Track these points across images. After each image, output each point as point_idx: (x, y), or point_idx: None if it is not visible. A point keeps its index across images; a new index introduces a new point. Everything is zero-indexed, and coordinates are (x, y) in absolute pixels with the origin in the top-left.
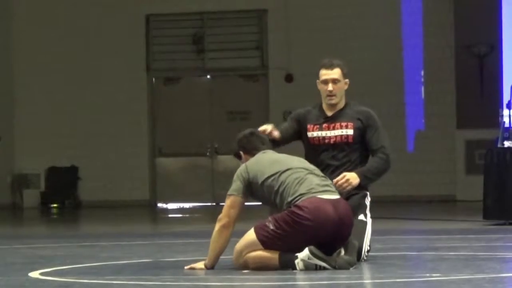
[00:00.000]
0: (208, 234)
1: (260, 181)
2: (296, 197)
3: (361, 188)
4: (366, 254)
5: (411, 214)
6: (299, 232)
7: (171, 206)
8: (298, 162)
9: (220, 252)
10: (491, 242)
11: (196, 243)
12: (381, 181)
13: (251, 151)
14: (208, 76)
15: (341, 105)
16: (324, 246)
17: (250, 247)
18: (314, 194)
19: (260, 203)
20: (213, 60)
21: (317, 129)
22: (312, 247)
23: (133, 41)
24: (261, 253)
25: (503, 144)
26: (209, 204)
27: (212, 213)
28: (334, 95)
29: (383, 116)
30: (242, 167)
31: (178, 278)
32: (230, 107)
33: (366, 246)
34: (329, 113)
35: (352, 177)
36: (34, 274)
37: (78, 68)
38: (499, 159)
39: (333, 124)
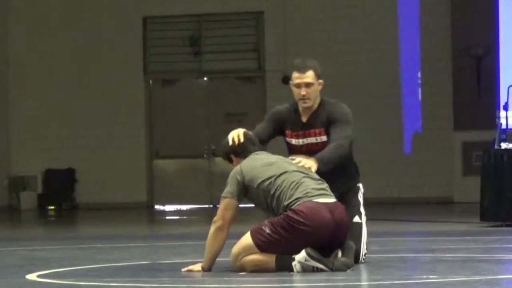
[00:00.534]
0: (205, 236)
1: (255, 184)
2: (292, 201)
3: (352, 178)
4: (364, 257)
5: (408, 216)
6: (295, 236)
7: (168, 208)
8: (294, 165)
9: (216, 254)
10: (488, 243)
11: (193, 245)
12: (378, 183)
13: (242, 154)
14: (205, 78)
15: (315, 106)
16: (322, 250)
17: (246, 250)
18: (310, 198)
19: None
20: (210, 62)
21: (295, 137)
22: (309, 249)
23: (130, 43)
24: (257, 256)
25: (500, 146)
26: (206, 206)
27: (209, 215)
28: (308, 99)
29: (380, 117)
30: (237, 169)
31: (176, 280)
32: (227, 109)
33: (363, 249)
34: (304, 118)
35: (310, 164)
36: (32, 276)
37: (75, 70)
38: (496, 161)
39: (308, 131)
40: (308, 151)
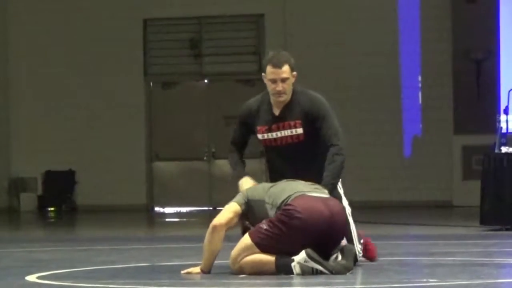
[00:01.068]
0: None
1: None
2: (286, 198)
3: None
4: (360, 247)
5: (407, 219)
6: (292, 228)
7: (168, 210)
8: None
9: (214, 255)
10: (488, 247)
11: (192, 247)
12: (378, 186)
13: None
14: (206, 81)
15: (288, 98)
16: (319, 247)
17: (245, 251)
18: (303, 193)
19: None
20: (211, 65)
21: (266, 131)
22: (309, 250)
23: (130, 46)
24: (256, 257)
25: (500, 150)
26: (206, 208)
27: (209, 217)
28: (284, 93)
29: (380, 121)
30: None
31: (175, 283)
32: (227, 111)
33: (357, 245)
34: (277, 111)
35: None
36: (31, 278)
37: (75, 72)
38: (496, 165)
39: (282, 124)
40: (284, 146)
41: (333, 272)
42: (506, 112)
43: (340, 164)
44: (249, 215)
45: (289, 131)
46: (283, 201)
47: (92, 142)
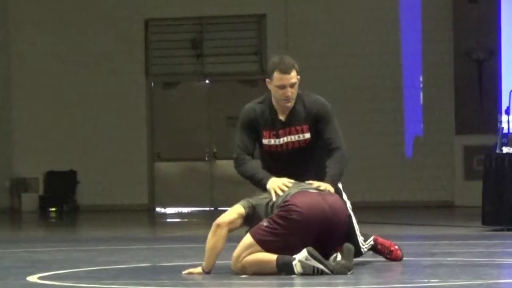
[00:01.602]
0: (206, 239)
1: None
2: (285, 196)
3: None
4: (364, 245)
5: (409, 220)
6: (292, 222)
7: (170, 210)
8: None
9: (215, 254)
10: (489, 248)
11: (194, 247)
12: (380, 187)
13: None
14: (207, 81)
15: (293, 102)
16: (320, 243)
17: (247, 249)
18: (302, 190)
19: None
20: (212, 65)
21: (274, 136)
22: (310, 248)
23: (132, 46)
24: (258, 256)
25: (502, 150)
26: (208, 208)
27: (210, 218)
28: (292, 99)
29: (381, 121)
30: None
31: (176, 283)
32: (229, 112)
33: (360, 239)
34: (283, 117)
35: (329, 188)
36: (32, 278)
37: (77, 72)
38: (498, 165)
39: (288, 129)
40: (288, 150)
41: (334, 272)
42: (507, 112)
43: (344, 167)
44: (254, 219)
45: (296, 136)
46: (283, 200)
47: (93, 142)
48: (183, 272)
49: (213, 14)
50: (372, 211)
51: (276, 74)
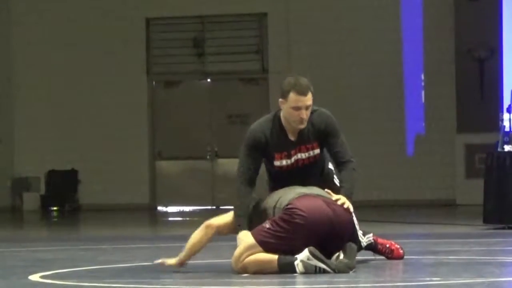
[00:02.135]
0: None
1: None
2: (290, 200)
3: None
4: (364, 239)
5: (410, 218)
6: (295, 226)
7: (171, 209)
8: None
9: (193, 251)
10: (490, 246)
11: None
12: (381, 184)
13: None
14: (208, 80)
15: (306, 124)
16: (323, 247)
17: (248, 250)
18: (305, 194)
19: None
20: (213, 64)
21: (285, 157)
22: (311, 248)
23: (133, 45)
24: (259, 256)
25: (503, 148)
26: (209, 207)
27: (212, 217)
28: (306, 121)
29: (383, 119)
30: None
31: (177, 282)
32: (230, 110)
33: (359, 233)
34: (293, 137)
35: (347, 204)
36: (34, 277)
37: (78, 71)
38: (499, 163)
39: (299, 147)
40: (298, 167)
41: (336, 271)
42: (509, 110)
43: (356, 179)
44: (254, 222)
45: (307, 153)
46: (287, 204)
47: (95, 141)
48: (156, 261)
49: (214, 13)
50: (373, 209)
51: (292, 95)
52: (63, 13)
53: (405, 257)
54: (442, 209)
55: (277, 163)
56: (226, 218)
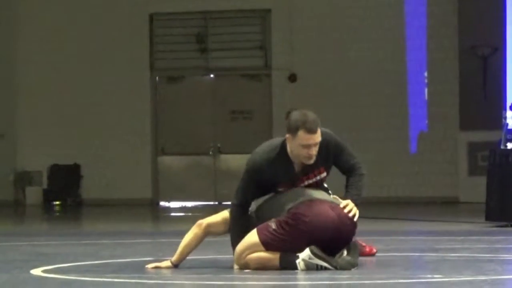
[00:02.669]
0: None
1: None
2: (296, 203)
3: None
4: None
5: (413, 215)
6: (299, 231)
7: (174, 204)
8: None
9: (187, 250)
10: (493, 244)
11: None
12: (384, 182)
13: None
14: (211, 75)
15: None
16: (327, 248)
17: (251, 248)
18: (310, 198)
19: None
20: (216, 60)
21: (290, 186)
22: (313, 247)
23: (136, 40)
24: (261, 254)
25: (506, 146)
26: (212, 203)
27: (214, 212)
28: (314, 156)
29: (386, 116)
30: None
31: (180, 277)
32: (233, 106)
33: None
34: (299, 168)
35: (354, 212)
36: (36, 272)
37: (81, 66)
38: (502, 161)
39: (306, 176)
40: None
41: (338, 268)
42: None
43: (364, 184)
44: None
45: (314, 179)
46: (293, 207)
47: (97, 136)
48: (149, 266)
49: (218, 8)
50: (375, 206)
51: (301, 133)
52: (66, 9)
53: (407, 254)
54: (444, 206)
55: (280, 189)
56: (218, 217)
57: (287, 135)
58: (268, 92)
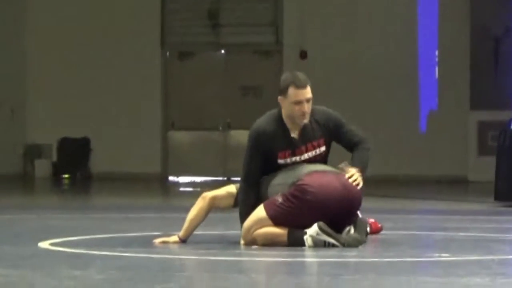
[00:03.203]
0: (217, 209)
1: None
2: (298, 176)
3: None
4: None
5: (422, 194)
6: (306, 203)
7: (182, 180)
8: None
9: (194, 225)
10: (501, 223)
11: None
12: (393, 160)
13: None
14: (222, 51)
15: (309, 118)
16: (334, 222)
17: (259, 223)
18: (316, 170)
19: None
20: (228, 35)
21: (290, 155)
22: (321, 223)
23: (148, 15)
24: (269, 229)
25: None
26: (220, 178)
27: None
28: (308, 114)
29: (396, 95)
30: None
31: (187, 252)
32: (244, 82)
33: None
34: (296, 134)
35: (360, 178)
36: (44, 244)
37: (93, 41)
38: (511, 141)
39: (305, 146)
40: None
41: (345, 245)
42: None
43: (369, 157)
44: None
45: (313, 152)
46: (295, 180)
47: (108, 110)
48: (156, 241)
49: None
50: (385, 184)
51: (291, 90)
52: None
53: (415, 232)
54: (453, 185)
55: (281, 161)
56: (222, 191)
57: (279, 97)
58: (279, 68)
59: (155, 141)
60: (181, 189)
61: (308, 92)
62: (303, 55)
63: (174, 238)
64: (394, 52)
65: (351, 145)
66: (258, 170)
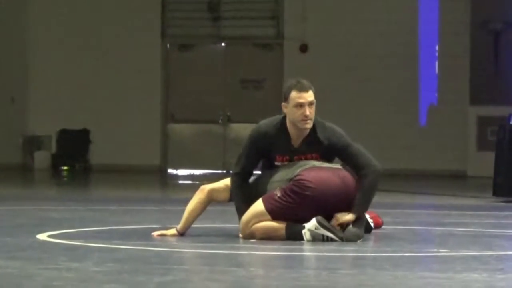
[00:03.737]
0: (214, 203)
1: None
2: (297, 172)
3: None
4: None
5: (421, 189)
6: (304, 198)
7: (182, 172)
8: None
9: (192, 217)
10: (500, 219)
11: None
12: (392, 154)
13: None
14: (223, 44)
15: (308, 129)
16: (332, 216)
17: (257, 217)
18: (314, 166)
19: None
20: (228, 28)
21: (287, 160)
22: (319, 217)
23: (148, 7)
24: (268, 223)
25: None
26: (220, 171)
27: None
28: (310, 119)
29: (396, 89)
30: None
31: (186, 245)
32: (244, 75)
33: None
34: (296, 143)
35: (348, 219)
36: (42, 236)
37: (93, 32)
38: (511, 136)
39: (301, 156)
40: None
41: (344, 239)
42: None
43: (374, 188)
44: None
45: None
46: (294, 176)
47: (107, 102)
48: (154, 234)
49: None
50: (384, 179)
51: (293, 94)
52: None
53: (414, 227)
54: (452, 180)
55: (278, 163)
56: (220, 183)
57: (283, 104)
58: (279, 61)
59: (155, 133)
60: (180, 181)
61: (310, 95)
62: (304, 48)
63: (172, 231)
64: (394, 46)
65: (356, 168)
66: (252, 167)
